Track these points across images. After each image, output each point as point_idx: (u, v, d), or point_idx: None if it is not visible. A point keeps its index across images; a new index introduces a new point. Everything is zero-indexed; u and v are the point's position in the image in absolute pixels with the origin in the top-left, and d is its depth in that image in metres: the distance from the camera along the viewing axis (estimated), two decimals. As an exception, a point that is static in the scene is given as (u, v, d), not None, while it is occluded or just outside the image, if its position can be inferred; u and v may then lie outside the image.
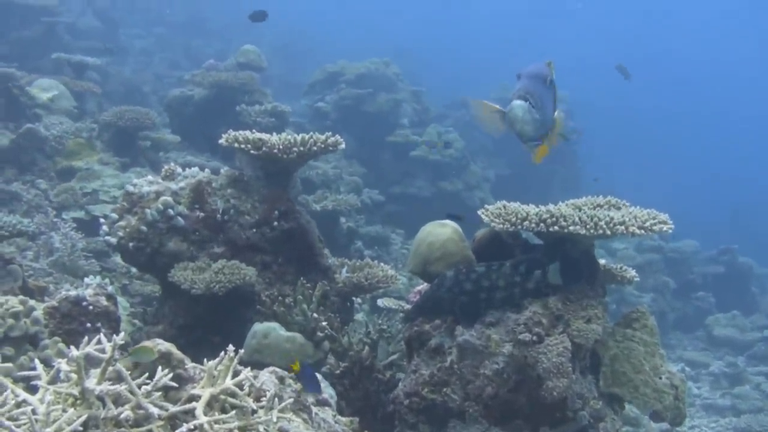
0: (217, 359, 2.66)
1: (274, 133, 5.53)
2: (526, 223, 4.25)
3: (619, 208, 4.64)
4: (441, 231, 4.65)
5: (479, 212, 4.47)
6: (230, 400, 2.60)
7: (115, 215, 5.40)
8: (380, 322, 5.26)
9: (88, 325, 4.15)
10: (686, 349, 14.07)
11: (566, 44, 40.95)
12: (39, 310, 3.92)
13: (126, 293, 7.10)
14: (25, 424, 2.20)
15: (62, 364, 2.46)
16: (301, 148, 5.40)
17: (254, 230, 5.38)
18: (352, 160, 14.56)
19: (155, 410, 2.38)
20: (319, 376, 4.02)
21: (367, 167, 14.74)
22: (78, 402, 2.37)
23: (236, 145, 5.41)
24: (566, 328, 4.14)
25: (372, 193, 13.79)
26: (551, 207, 4.38)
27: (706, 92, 44.33)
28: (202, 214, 5.29)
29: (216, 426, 2.41)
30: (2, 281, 5.01)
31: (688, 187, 32.33)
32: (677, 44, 46.15)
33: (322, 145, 5.47)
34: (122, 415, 2.31)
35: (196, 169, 5.56)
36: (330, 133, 5.57)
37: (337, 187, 12.09)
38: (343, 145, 5.57)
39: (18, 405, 2.29)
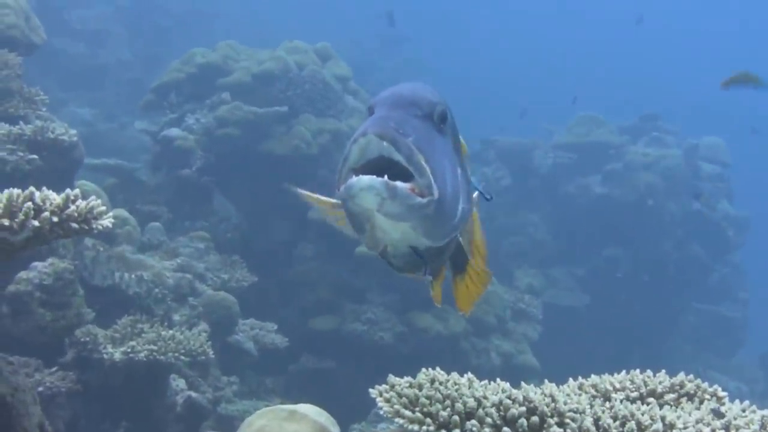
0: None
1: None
2: (472, 423, 2.31)
3: (696, 401, 2.63)
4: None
5: (371, 393, 2.56)
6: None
7: None
8: None
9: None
10: None
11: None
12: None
13: None
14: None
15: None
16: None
17: None
18: (232, 256, 8.62)
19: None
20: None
21: (262, 270, 8.83)
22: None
23: None
24: None
25: (266, 332, 8.07)
26: (546, 388, 2.59)
27: None
28: None
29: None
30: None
31: None
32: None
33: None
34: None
35: None
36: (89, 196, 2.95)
37: (185, 307, 7.21)
38: (107, 223, 3.07)
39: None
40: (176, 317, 6.79)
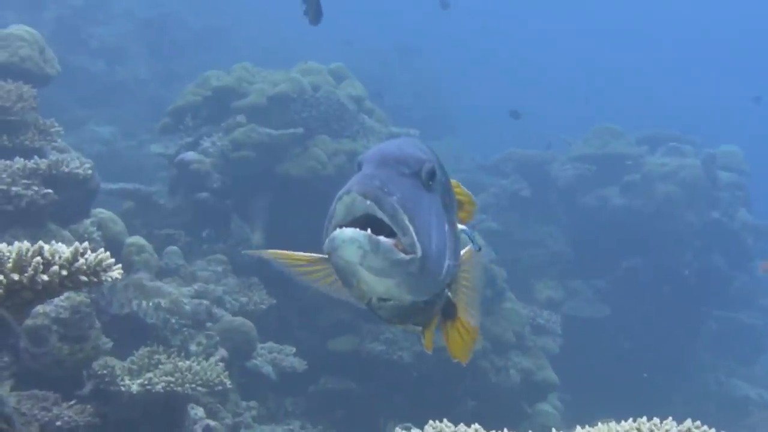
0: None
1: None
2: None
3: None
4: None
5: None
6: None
7: None
8: None
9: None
10: None
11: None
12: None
13: None
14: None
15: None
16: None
17: None
18: (250, 278, 8.75)
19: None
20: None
21: (281, 292, 8.80)
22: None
23: None
24: None
25: (285, 355, 8.07)
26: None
27: None
28: None
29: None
30: None
31: None
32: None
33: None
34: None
35: None
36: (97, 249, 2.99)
37: (202, 335, 7.12)
38: (116, 275, 3.09)
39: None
40: (193, 347, 6.77)
